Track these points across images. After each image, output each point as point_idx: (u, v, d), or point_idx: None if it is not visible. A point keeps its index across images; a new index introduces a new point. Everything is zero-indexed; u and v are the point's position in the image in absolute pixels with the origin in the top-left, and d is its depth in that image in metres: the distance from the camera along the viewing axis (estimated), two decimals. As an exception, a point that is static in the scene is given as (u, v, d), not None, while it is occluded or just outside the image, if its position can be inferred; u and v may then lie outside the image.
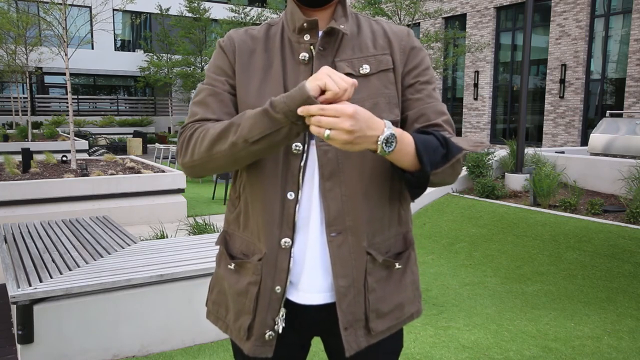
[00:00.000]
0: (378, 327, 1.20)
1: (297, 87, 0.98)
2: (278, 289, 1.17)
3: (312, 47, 1.17)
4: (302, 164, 1.15)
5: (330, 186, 1.14)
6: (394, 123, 1.16)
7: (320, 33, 1.19)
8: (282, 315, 1.19)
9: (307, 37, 1.17)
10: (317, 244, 1.17)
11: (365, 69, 1.17)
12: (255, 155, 1.07)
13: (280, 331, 1.20)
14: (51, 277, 3.20)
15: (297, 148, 1.14)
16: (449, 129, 1.20)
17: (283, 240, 1.16)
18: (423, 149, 1.05)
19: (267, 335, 1.19)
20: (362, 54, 1.18)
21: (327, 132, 0.95)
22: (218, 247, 3.99)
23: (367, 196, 1.16)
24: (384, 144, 0.99)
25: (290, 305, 1.21)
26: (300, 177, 1.15)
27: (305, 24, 1.15)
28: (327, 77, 0.97)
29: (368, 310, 1.18)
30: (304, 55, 1.17)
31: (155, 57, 21.26)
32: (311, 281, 1.18)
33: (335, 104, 0.95)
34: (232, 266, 1.24)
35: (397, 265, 1.21)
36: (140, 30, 24.33)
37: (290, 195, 1.15)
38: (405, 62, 1.21)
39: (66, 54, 8.15)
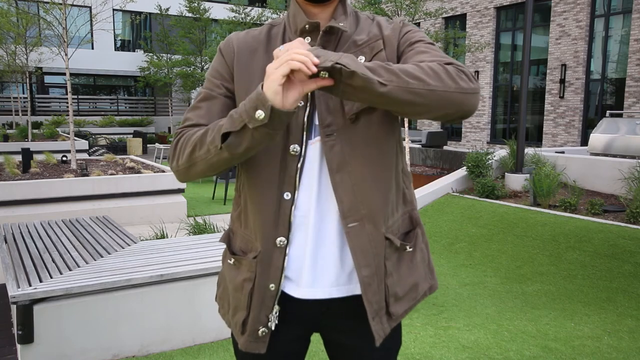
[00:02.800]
0: (398, 311, 1.22)
1: (256, 90, 1.00)
2: (272, 286, 1.19)
3: None
4: (299, 165, 1.17)
5: (340, 178, 1.15)
6: None
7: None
8: (276, 313, 1.22)
9: (308, 40, 1.19)
10: (318, 240, 1.19)
11: (361, 60, 1.18)
12: (227, 161, 1.08)
13: (273, 328, 1.22)
14: (51, 277, 3.20)
15: (295, 150, 1.16)
16: (439, 59, 1.11)
17: (278, 239, 1.18)
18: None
19: (260, 332, 1.22)
20: (357, 47, 1.20)
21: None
22: (218, 246, 4.01)
23: (376, 182, 1.17)
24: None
25: (291, 301, 1.22)
26: (297, 178, 1.17)
27: (307, 26, 1.17)
28: (277, 69, 0.97)
29: (388, 296, 1.20)
30: None
31: (155, 57, 21.26)
32: (313, 276, 1.20)
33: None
34: (231, 261, 1.27)
35: (409, 248, 1.24)
36: (140, 30, 24.32)
37: (287, 196, 1.17)
38: (398, 36, 1.22)
39: (66, 54, 8.15)
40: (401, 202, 1.25)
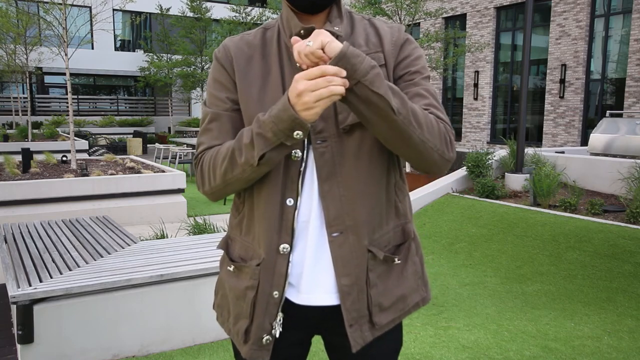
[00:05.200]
0: (382, 321, 1.21)
1: (281, 104, 1.00)
2: (276, 293, 1.18)
3: None
4: (301, 169, 1.16)
5: (329, 187, 1.15)
6: None
7: None
8: (280, 320, 1.20)
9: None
10: (318, 247, 1.18)
11: None
12: (264, 172, 1.12)
13: (277, 335, 1.21)
14: (51, 277, 3.20)
15: (296, 155, 1.15)
16: (435, 111, 1.16)
17: (281, 246, 1.17)
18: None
19: (264, 340, 1.20)
20: None
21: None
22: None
23: (365, 194, 1.17)
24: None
25: (292, 306, 1.22)
26: (300, 183, 1.16)
27: (302, 31, 1.16)
28: (305, 83, 0.96)
29: (371, 305, 1.19)
30: None
31: (155, 57, 21.24)
32: (312, 283, 1.19)
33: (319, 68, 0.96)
34: (231, 268, 1.25)
35: (397, 260, 1.23)
36: (140, 30, 24.32)
37: (290, 202, 1.16)
38: (397, 55, 1.21)
39: (66, 54, 8.15)
40: (393, 215, 1.24)
